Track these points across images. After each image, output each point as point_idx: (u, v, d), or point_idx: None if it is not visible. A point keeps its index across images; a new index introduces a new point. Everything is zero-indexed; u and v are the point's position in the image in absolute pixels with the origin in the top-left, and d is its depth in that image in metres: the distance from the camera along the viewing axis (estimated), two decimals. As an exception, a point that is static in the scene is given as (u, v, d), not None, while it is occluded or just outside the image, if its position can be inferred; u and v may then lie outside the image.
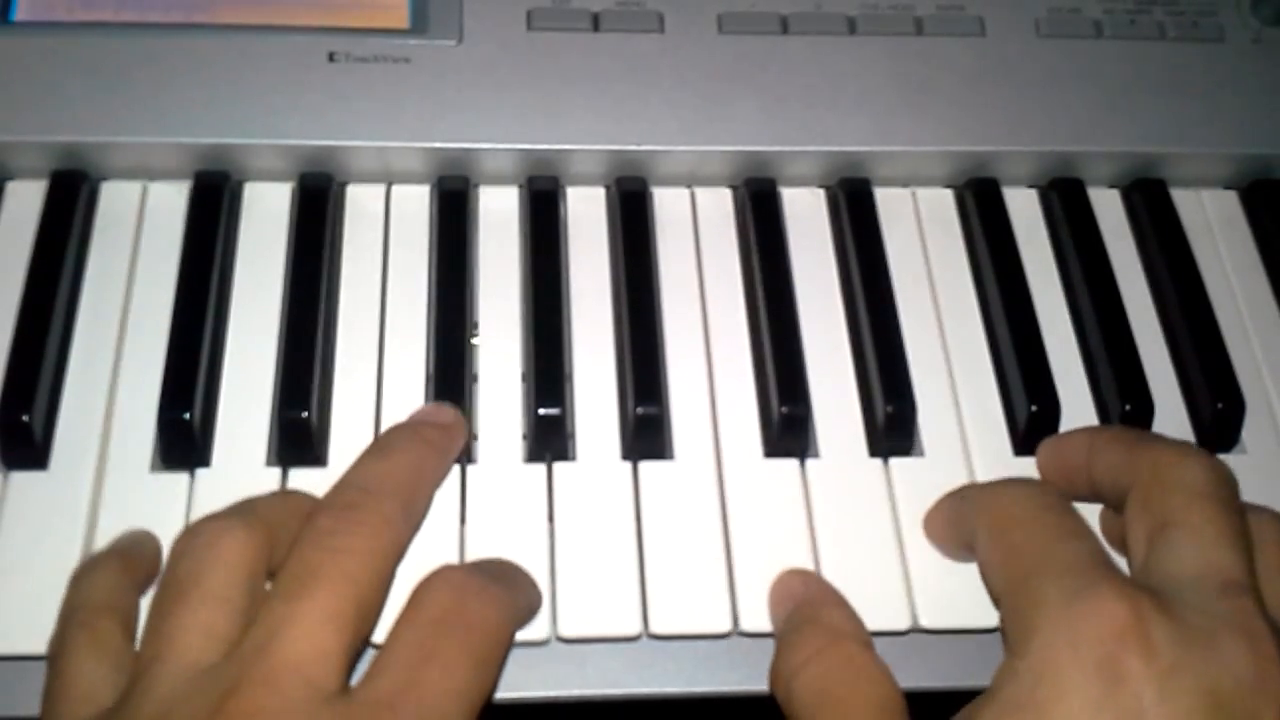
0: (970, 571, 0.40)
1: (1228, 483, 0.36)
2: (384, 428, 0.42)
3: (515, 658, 0.38)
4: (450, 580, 0.35)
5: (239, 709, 0.31)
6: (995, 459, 0.43)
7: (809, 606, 0.38)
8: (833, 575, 0.40)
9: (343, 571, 0.33)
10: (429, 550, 0.39)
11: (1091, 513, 0.40)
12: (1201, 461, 0.36)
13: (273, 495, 0.39)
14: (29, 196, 0.46)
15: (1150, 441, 0.38)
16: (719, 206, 0.49)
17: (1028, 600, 0.33)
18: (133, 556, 0.38)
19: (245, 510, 0.36)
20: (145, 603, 0.37)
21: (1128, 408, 0.43)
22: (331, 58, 0.47)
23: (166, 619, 0.34)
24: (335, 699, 0.32)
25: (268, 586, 0.35)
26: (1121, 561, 0.37)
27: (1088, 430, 0.42)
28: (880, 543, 0.41)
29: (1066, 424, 0.44)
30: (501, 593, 0.36)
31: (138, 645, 0.35)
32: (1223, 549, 0.34)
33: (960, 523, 0.39)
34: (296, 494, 0.39)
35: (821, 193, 0.49)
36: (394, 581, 0.36)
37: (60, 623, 0.36)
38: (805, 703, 0.35)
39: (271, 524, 0.36)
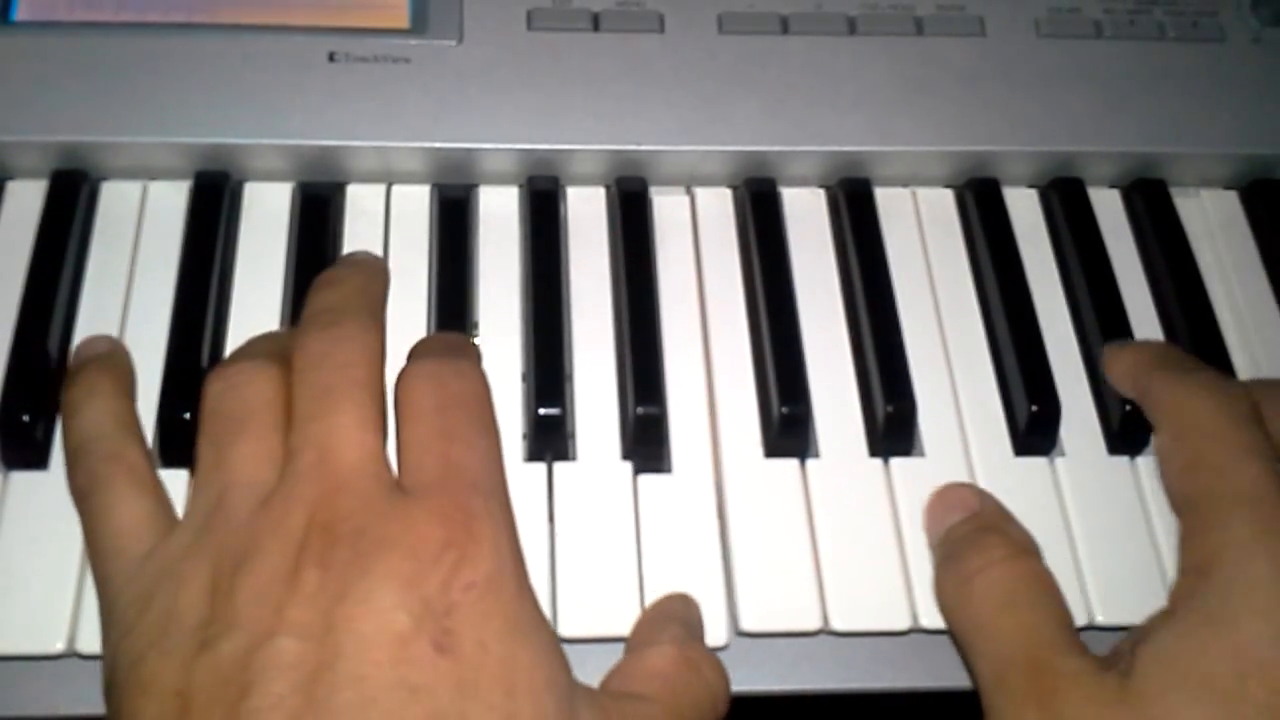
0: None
1: None
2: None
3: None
4: (425, 371, 0.37)
5: (325, 516, 0.33)
6: (995, 459, 0.43)
7: (991, 517, 0.39)
8: (832, 575, 0.40)
9: (354, 381, 0.36)
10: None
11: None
12: None
13: (266, 335, 0.42)
14: (29, 196, 0.46)
15: None
16: (719, 206, 0.49)
17: (1213, 525, 0.35)
18: (119, 369, 0.41)
19: (261, 350, 0.39)
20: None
21: (1128, 408, 0.43)
22: (331, 58, 0.47)
23: (231, 449, 0.36)
24: (397, 487, 0.35)
25: None
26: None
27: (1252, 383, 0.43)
28: (880, 543, 0.41)
29: (1067, 424, 0.44)
30: (468, 364, 0.38)
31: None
32: None
33: (1142, 393, 0.41)
34: (278, 331, 0.43)
35: (821, 193, 0.49)
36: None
37: (79, 456, 0.38)
38: (988, 600, 0.36)
39: (276, 354, 0.38)
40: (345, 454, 0.34)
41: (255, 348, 0.40)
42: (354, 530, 0.33)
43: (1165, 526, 0.41)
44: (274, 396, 0.37)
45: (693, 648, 0.37)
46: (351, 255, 0.45)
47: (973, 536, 0.38)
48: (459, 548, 0.33)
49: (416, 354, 0.39)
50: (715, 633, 0.39)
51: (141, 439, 0.39)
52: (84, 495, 0.37)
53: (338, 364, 0.36)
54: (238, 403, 0.37)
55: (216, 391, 0.37)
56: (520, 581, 0.34)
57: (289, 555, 0.33)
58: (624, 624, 0.39)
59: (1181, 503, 0.37)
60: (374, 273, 0.43)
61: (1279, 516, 0.34)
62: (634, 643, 0.38)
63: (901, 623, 0.40)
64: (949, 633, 0.39)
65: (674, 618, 0.38)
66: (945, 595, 0.38)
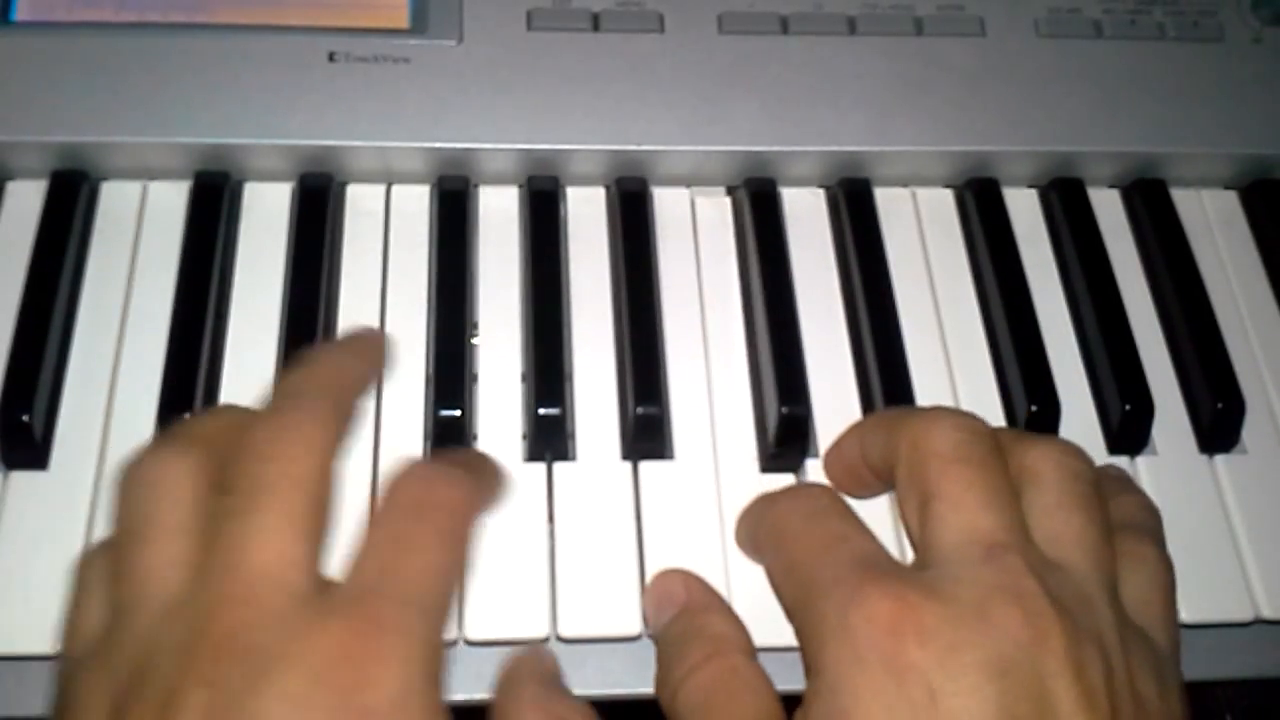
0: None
1: (979, 440, 0.36)
2: (384, 427, 0.42)
3: (515, 658, 0.38)
4: (416, 469, 0.35)
5: (220, 629, 0.30)
6: (995, 459, 0.43)
7: (691, 614, 0.38)
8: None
9: (287, 477, 0.33)
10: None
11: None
12: (947, 425, 0.36)
13: (204, 413, 0.38)
14: (29, 196, 0.46)
15: (905, 416, 0.38)
16: (719, 207, 0.49)
17: (810, 619, 0.34)
18: None
19: (180, 434, 0.35)
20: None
21: (1128, 407, 0.43)
22: (331, 58, 0.47)
23: (134, 561, 0.33)
24: (314, 598, 0.31)
25: None
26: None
27: (856, 424, 0.42)
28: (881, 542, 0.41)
29: (1066, 424, 0.44)
30: (464, 475, 0.35)
31: None
32: (980, 512, 0.34)
33: (755, 540, 0.40)
34: (229, 407, 0.38)
35: (821, 193, 0.49)
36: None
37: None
38: (689, 712, 0.36)
39: (207, 439, 0.35)
40: (257, 558, 0.31)
41: (188, 429, 0.36)
42: (248, 646, 0.30)
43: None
44: (187, 492, 0.33)
45: (555, 703, 0.35)
46: (347, 331, 0.41)
47: (673, 643, 0.37)
48: (360, 668, 0.30)
49: (437, 457, 0.36)
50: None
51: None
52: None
53: (273, 456, 0.33)
54: (142, 503, 0.33)
55: (122, 493, 0.34)
56: (429, 708, 0.30)
57: (176, 673, 0.30)
58: (624, 624, 0.39)
59: (789, 610, 0.36)
60: (358, 352, 0.39)
61: (856, 586, 0.33)
62: (496, 717, 0.36)
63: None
64: None
65: (524, 678, 0.36)
66: (662, 705, 0.37)
